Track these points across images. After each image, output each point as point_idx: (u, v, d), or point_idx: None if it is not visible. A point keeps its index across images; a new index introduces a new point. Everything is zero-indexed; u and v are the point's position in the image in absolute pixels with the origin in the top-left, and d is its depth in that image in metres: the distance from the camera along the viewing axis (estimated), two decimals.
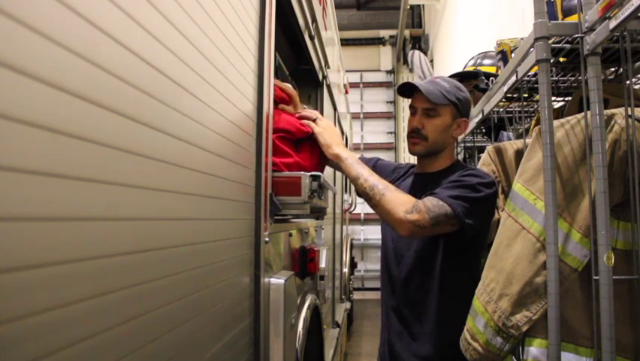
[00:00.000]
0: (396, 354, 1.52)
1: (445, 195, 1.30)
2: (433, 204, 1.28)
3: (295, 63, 2.24)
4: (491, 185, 1.37)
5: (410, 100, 1.51)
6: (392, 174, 1.68)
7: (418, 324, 1.47)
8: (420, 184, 1.52)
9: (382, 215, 1.35)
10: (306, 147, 1.48)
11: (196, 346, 0.79)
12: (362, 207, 7.05)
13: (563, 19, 1.33)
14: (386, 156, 6.71)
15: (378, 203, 1.33)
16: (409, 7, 7.72)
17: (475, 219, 1.31)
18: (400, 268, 1.52)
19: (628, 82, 1.11)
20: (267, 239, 1.16)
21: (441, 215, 1.27)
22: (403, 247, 1.52)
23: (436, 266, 1.44)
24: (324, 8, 2.41)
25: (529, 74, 1.35)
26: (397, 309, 1.53)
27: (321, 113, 2.47)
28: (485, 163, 1.58)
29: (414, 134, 1.49)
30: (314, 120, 1.51)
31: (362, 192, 1.39)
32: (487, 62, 2.39)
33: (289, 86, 1.54)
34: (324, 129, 1.49)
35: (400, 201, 1.30)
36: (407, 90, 1.50)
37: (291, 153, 1.39)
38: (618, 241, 1.10)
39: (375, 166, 1.71)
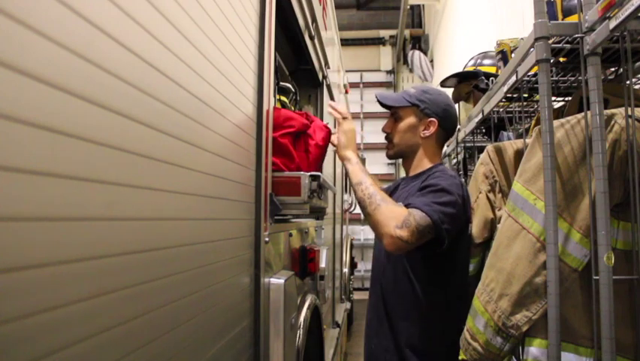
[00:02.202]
0: (372, 350, 1.57)
1: (422, 204, 1.31)
2: (417, 216, 1.28)
3: (295, 63, 2.24)
4: (459, 185, 1.40)
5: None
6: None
7: (389, 320, 1.51)
8: (400, 189, 1.60)
9: (373, 226, 1.36)
10: (301, 145, 1.48)
11: (196, 346, 0.79)
12: None
13: (563, 19, 1.33)
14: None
15: (372, 213, 1.34)
16: (409, 7, 7.72)
17: (450, 223, 1.32)
18: (379, 267, 1.59)
19: (628, 82, 1.11)
20: (267, 239, 1.16)
21: (424, 226, 1.28)
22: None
23: (404, 264, 1.48)
24: (324, 8, 2.42)
25: (529, 74, 1.35)
26: (375, 306, 1.58)
27: (322, 113, 2.47)
28: (484, 163, 1.58)
29: (386, 139, 1.60)
30: (343, 118, 1.56)
31: (360, 199, 1.41)
32: (487, 62, 2.39)
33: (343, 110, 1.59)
34: (347, 131, 1.54)
35: (392, 215, 1.30)
36: (380, 102, 1.60)
37: (293, 154, 1.39)
38: (618, 241, 1.10)
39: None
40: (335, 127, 1.60)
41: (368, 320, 1.61)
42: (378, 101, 1.59)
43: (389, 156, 1.60)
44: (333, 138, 1.56)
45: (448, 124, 1.56)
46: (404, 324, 1.46)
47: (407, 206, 1.33)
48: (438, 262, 1.44)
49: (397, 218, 1.29)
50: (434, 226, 1.28)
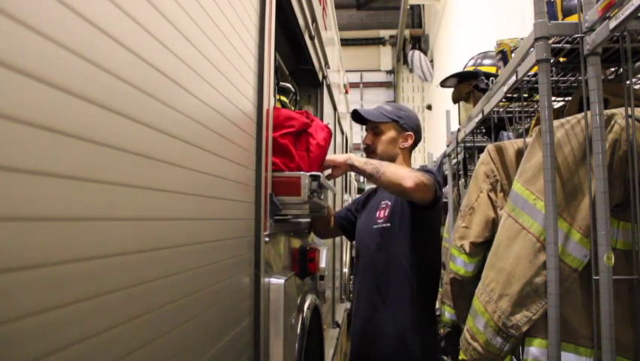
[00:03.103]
0: (369, 335, 1.74)
1: (421, 172, 1.60)
2: (422, 173, 1.58)
3: (295, 63, 2.24)
4: (433, 174, 1.67)
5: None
6: (353, 205, 2.01)
7: (385, 306, 1.70)
8: (374, 198, 1.87)
9: (391, 181, 1.58)
10: (302, 144, 1.48)
11: (196, 346, 0.79)
12: None
13: (563, 19, 1.33)
14: None
15: (385, 173, 1.59)
16: (409, 7, 7.73)
17: (440, 194, 1.63)
18: (369, 260, 1.78)
19: (628, 82, 1.11)
20: (267, 239, 1.16)
21: (430, 181, 1.57)
22: (369, 243, 1.80)
23: (397, 253, 1.70)
24: (324, 8, 2.42)
25: (529, 74, 1.35)
26: (368, 295, 1.75)
27: (322, 113, 2.47)
28: (484, 162, 1.57)
29: (367, 150, 1.86)
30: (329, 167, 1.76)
31: (370, 176, 1.64)
32: (487, 62, 2.39)
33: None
34: (338, 168, 1.75)
35: (401, 169, 1.61)
36: (357, 116, 1.86)
37: (293, 154, 1.39)
38: (618, 241, 1.10)
39: (341, 212, 2.06)
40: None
41: (359, 308, 1.79)
42: (358, 115, 1.84)
43: None
44: (330, 171, 1.76)
45: (419, 137, 1.89)
46: (401, 308, 1.67)
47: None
48: (423, 244, 1.71)
49: (405, 169, 1.61)
50: (433, 184, 1.58)
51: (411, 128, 1.84)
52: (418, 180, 1.53)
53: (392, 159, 1.80)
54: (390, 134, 1.82)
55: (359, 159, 1.70)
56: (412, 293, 1.67)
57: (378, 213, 1.78)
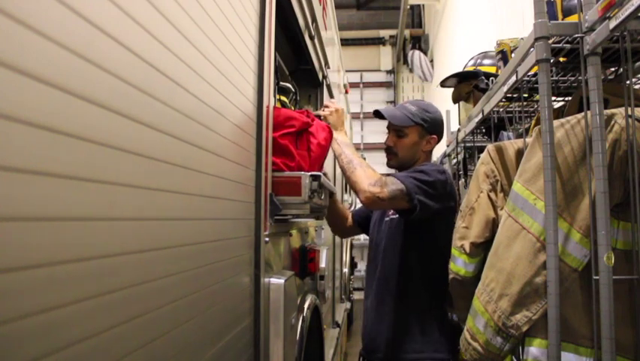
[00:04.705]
0: (368, 334, 1.74)
1: (401, 177, 1.56)
2: (392, 182, 1.53)
3: (295, 63, 2.24)
4: (441, 172, 1.62)
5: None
6: None
7: (384, 304, 1.69)
8: None
9: (351, 185, 1.59)
10: (304, 143, 1.48)
11: (196, 346, 0.79)
12: None
13: (563, 19, 1.33)
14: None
15: (351, 175, 1.59)
16: (409, 7, 7.73)
17: (426, 197, 1.53)
18: (376, 256, 1.78)
19: (628, 82, 1.11)
20: (267, 239, 1.16)
21: (397, 191, 1.51)
22: (379, 236, 1.79)
23: (399, 247, 1.69)
24: (324, 8, 2.41)
25: (529, 74, 1.35)
26: (373, 292, 1.74)
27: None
28: (484, 162, 1.57)
29: (388, 151, 1.79)
30: (325, 106, 1.76)
31: (341, 167, 1.65)
32: (487, 62, 2.39)
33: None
34: (331, 113, 1.76)
35: (366, 175, 1.56)
36: (378, 114, 1.78)
37: (293, 153, 1.39)
38: (618, 241, 1.10)
39: None
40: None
41: (368, 300, 1.78)
42: (379, 116, 1.75)
43: (390, 166, 1.79)
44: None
45: (441, 137, 1.80)
46: (410, 300, 1.66)
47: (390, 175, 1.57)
48: (430, 240, 1.67)
49: (371, 178, 1.54)
50: (407, 192, 1.50)
51: (435, 131, 1.75)
52: (371, 195, 1.50)
53: (413, 163, 1.74)
54: (414, 138, 1.72)
55: (342, 140, 1.68)
56: (422, 285, 1.66)
57: (388, 210, 1.77)
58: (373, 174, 1.56)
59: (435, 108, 1.79)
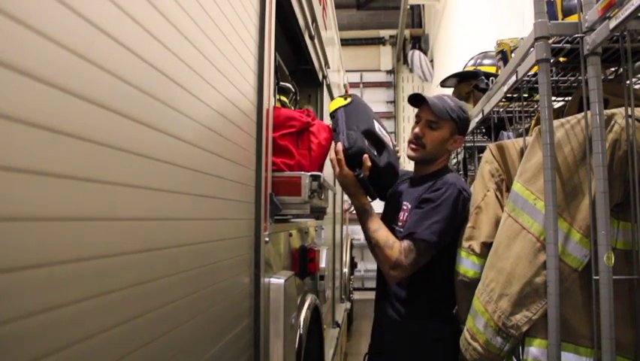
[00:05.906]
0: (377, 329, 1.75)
1: (412, 228, 1.49)
2: (407, 250, 1.48)
3: (295, 63, 2.24)
4: (458, 193, 1.53)
5: (417, 109, 1.69)
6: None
7: (391, 297, 1.66)
8: (409, 186, 1.75)
9: (375, 255, 1.57)
10: (305, 142, 1.48)
11: (196, 346, 0.79)
12: None
13: (563, 19, 1.33)
14: None
15: (374, 256, 1.57)
16: (409, 7, 7.72)
17: (441, 235, 1.48)
18: None
19: (628, 82, 1.11)
20: (267, 239, 1.16)
21: (415, 256, 1.47)
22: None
23: None
24: (324, 8, 2.41)
25: (529, 74, 1.35)
26: (382, 286, 1.72)
27: (322, 113, 2.47)
28: (488, 161, 1.56)
29: (414, 141, 1.66)
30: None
31: (366, 238, 1.61)
32: (487, 62, 2.39)
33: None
34: (342, 183, 1.62)
35: (384, 256, 1.52)
36: (415, 100, 1.67)
37: (293, 152, 1.39)
38: (618, 241, 1.10)
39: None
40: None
41: (376, 299, 1.77)
42: (418, 101, 1.65)
43: (412, 158, 1.69)
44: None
45: (463, 141, 1.75)
46: (416, 302, 1.62)
47: (403, 237, 1.51)
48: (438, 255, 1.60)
49: (389, 260, 1.50)
50: (425, 245, 1.47)
51: (463, 132, 1.70)
52: (396, 278, 1.51)
53: (436, 159, 1.68)
54: (446, 133, 1.64)
55: (355, 207, 1.62)
56: (427, 287, 1.61)
57: (399, 214, 1.69)
58: (390, 252, 1.50)
59: (467, 109, 1.73)
